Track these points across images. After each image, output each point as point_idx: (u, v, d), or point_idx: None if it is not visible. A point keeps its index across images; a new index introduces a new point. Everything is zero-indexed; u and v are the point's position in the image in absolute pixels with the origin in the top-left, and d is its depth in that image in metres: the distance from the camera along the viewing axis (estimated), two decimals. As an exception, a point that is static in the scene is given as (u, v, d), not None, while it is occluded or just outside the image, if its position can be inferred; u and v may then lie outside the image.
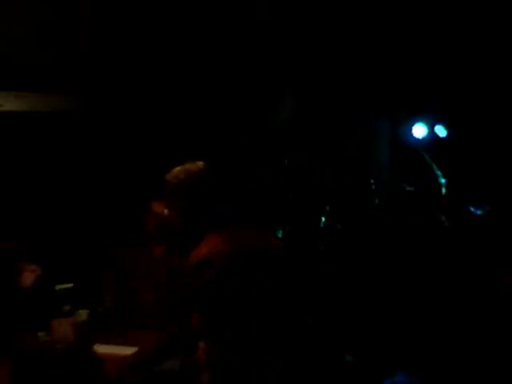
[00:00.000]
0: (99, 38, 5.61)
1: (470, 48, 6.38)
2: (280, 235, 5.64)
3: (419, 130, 6.73)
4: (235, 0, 6.18)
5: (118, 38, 5.66)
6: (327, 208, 5.86)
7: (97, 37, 5.61)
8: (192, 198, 2.78)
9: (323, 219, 5.88)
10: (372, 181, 6.02)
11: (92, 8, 5.60)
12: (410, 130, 6.75)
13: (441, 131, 6.67)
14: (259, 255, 2.74)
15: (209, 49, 5.99)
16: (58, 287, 3.81)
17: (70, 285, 3.89)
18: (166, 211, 2.89)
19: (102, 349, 3.31)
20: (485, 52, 6.34)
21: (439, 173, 5.96)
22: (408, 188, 5.94)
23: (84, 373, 2.91)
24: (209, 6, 6.04)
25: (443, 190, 5.72)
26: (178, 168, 2.87)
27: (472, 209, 5.50)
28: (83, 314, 3.59)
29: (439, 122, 6.66)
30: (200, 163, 2.87)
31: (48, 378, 2.82)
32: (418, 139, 6.72)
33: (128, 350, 3.32)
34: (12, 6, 5.16)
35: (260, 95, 6.21)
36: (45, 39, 5.35)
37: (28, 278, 3.57)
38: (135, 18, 5.77)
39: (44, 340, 3.13)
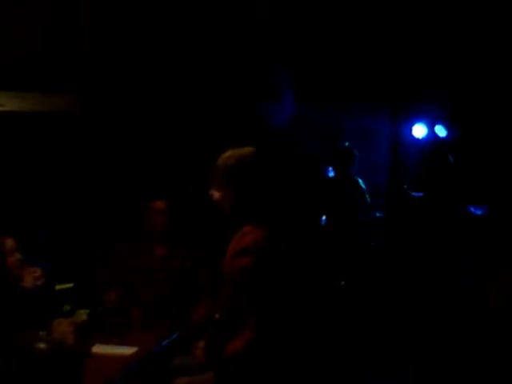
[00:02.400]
0: (99, 38, 5.62)
1: (470, 48, 6.39)
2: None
3: (419, 130, 6.73)
4: (235, 0, 6.19)
5: (117, 38, 5.66)
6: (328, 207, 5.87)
7: (97, 37, 5.62)
8: (243, 182, 2.75)
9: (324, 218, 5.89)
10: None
11: (92, 8, 5.61)
12: (410, 130, 6.76)
13: (441, 131, 6.67)
14: (289, 253, 2.78)
15: (207, 49, 5.99)
16: (57, 287, 3.81)
17: (70, 285, 3.89)
18: (216, 195, 2.83)
19: (101, 349, 3.31)
20: (485, 52, 6.35)
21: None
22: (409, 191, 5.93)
23: (81, 372, 2.91)
24: (208, 5, 6.04)
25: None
26: (228, 152, 2.83)
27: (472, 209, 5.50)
28: (83, 314, 3.58)
29: (439, 121, 6.67)
30: (249, 148, 2.82)
31: (46, 378, 2.82)
32: (418, 139, 6.72)
33: (128, 350, 3.32)
34: (12, 6, 5.17)
35: (259, 94, 6.21)
36: (45, 40, 5.36)
37: (29, 279, 3.57)
38: (134, 18, 5.77)
39: (44, 340, 3.12)
